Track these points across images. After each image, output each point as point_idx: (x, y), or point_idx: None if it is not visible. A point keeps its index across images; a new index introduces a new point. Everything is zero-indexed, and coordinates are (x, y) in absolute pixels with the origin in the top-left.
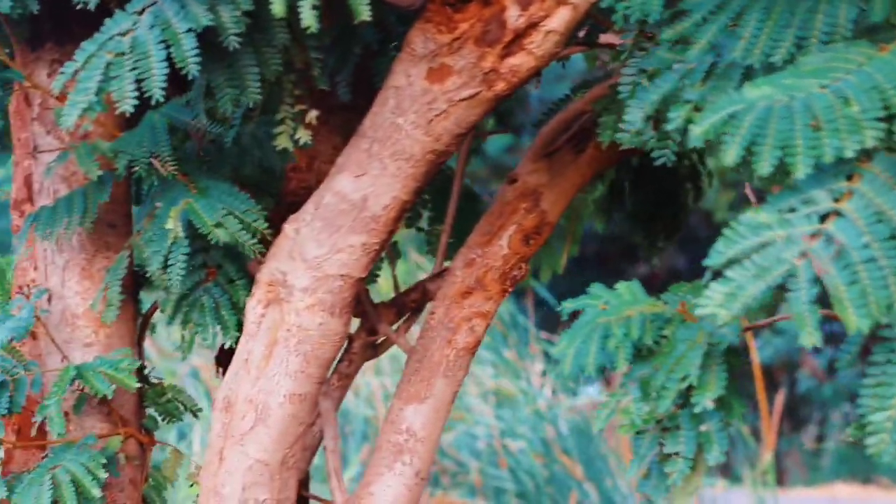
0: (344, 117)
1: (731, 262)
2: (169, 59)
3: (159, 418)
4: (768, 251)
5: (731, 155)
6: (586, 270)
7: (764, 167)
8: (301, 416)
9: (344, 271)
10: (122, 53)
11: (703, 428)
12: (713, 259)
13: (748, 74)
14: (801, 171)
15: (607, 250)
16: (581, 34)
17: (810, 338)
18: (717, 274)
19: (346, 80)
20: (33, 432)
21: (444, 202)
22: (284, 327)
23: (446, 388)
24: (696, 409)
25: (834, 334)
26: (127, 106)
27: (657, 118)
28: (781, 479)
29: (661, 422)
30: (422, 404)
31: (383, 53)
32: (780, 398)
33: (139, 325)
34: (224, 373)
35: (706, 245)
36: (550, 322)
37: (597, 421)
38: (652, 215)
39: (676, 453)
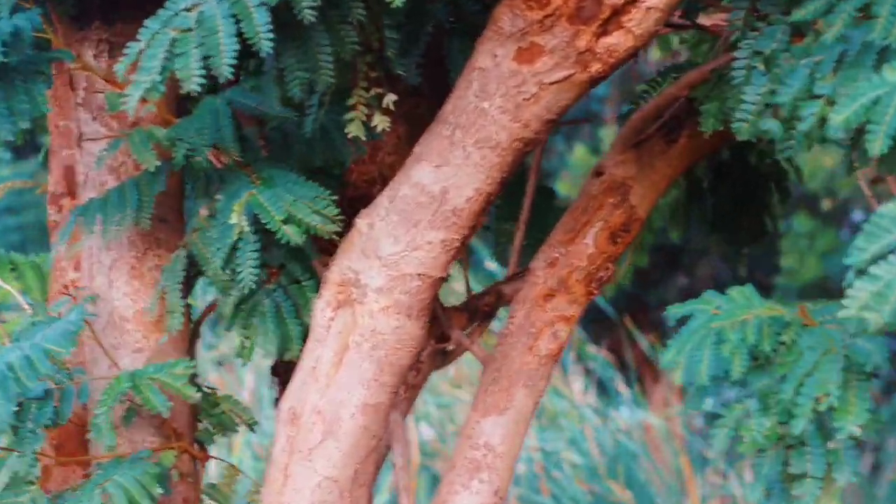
0: (410, 104)
1: (876, 259)
2: (238, 35)
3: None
4: None
5: (877, 144)
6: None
7: None
8: (374, 429)
9: (422, 270)
10: (189, 29)
11: (830, 445)
12: (854, 257)
13: (882, 59)
14: None
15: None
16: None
17: None
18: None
19: (415, 61)
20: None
21: (514, 197)
22: (357, 331)
23: (527, 399)
24: (840, 436)
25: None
26: (193, 85)
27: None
28: None
29: (783, 438)
30: (501, 416)
31: (455, 33)
32: None
33: (191, 330)
34: (282, 384)
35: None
36: (592, 333)
37: (715, 440)
38: (734, 218)
39: (804, 474)
